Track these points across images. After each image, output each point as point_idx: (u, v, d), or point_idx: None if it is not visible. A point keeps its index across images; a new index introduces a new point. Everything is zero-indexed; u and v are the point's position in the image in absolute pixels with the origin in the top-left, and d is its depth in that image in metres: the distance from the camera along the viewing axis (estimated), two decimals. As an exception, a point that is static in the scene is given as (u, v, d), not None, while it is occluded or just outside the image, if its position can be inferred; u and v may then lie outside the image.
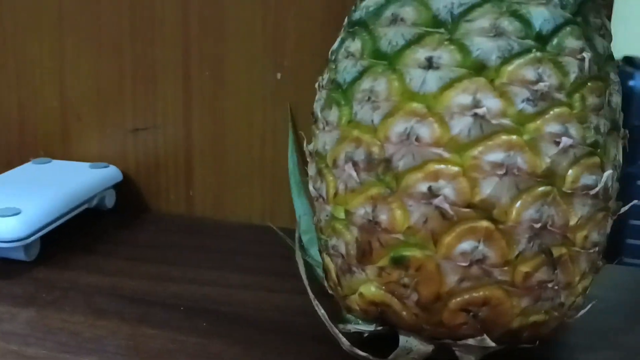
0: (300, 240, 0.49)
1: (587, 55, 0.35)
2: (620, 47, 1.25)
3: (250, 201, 0.61)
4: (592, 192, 0.35)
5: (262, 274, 0.51)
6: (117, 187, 0.62)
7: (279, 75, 0.58)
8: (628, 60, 1.28)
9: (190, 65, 0.60)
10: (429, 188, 0.33)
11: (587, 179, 0.35)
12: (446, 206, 0.33)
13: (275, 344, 0.42)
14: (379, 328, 0.39)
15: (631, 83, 1.19)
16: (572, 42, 0.35)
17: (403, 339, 0.38)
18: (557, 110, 0.34)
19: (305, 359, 0.41)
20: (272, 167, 0.59)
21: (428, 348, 0.37)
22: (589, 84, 0.35)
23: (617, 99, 0.37)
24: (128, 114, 0.62)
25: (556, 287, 0.35)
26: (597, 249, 0.37)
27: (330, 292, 0.41)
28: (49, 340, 0.42)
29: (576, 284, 0.36)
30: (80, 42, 0.62)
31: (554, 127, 0.34)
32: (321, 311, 0.37)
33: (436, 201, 0.33)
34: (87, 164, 0.62)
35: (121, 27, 0.61)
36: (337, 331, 0.37)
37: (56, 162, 0.63)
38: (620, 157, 0.38)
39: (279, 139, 0.58)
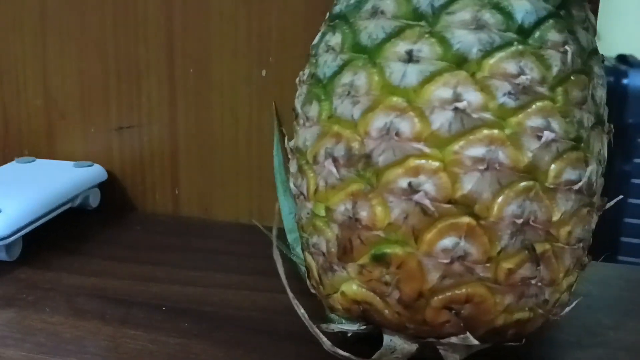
0: (286, 239, 0.48)
1: (570, 48, 0.34)
2: (615, 46, 1.25)
3: (236, 200, 0.60)
4: (576, 187, 0.34)
5: (246, 274, 0.51)
6: (101, 186, 0.62)
7: (264, 72, 0.57)
8: (622, 58, 1.28)
9: (175, 63, 0.59)
10: (409, 184, 0.33)
11: (570, 174, 0.34)
12: (427, 202, 0.32)
13: (257, 344, 0.42)
14: (363, 327, 0.39)
15: (625, 81, 1.19)
16: (554, 35, 0.34)
17: (387, 338, 0.38)
18: (539, 104, 0.33)
19: (287, 358, 0.40)
20: (258, 165, 0.59)
21: (412, 347, 0.37)
22: (572, 77, 0.35)
23: (601, 93, 0.37)
24: (113, 113, 0.62)
25: (540, 284, 0.35)
26: (581, 244, 0.36)
27: (312, 291, 0.40)
28: (28, 341, 0.41)
29: (560, 280, 0.36)
30: (64, 41, 0.62)
31: (535, 121, 0.33)
32: (301, 310, 0.36)
33: (417, 197, 0.33)
34: (71, 162, 0.61)
35: (105, 24, 0.60)
36: (317, 331, 0.36)
37: (40, 161, 0.62)
38: (605, 152, 0.37)
39: (266, 137, 0.58)
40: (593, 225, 0.37)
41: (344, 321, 0.40)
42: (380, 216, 0.34)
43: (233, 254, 0.54)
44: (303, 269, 0.47)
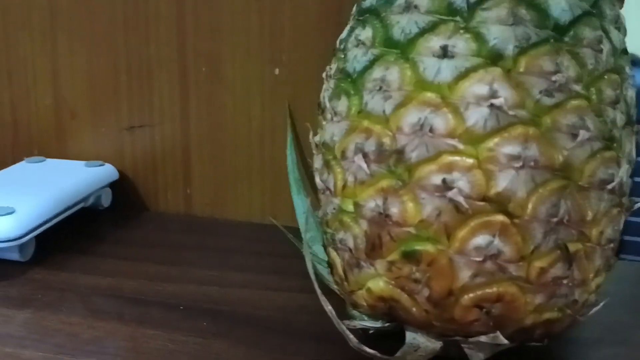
0: (300, 239, 0.48)
1: (605, 47, 0.34)
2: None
3: (249, 199, 0.59)
4: (609, 187, 0.34)
5: (262, 273, 0.50)
6: (113, 185, 0.61)
7: (277, 71, 0.56)
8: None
9: (187, 62, 0.58)
10: (443, 180, 0.32)
11: (604, 174, 0.34)
12: (460, 199, 0.32)
13: (276, 343, 0.41)
14: (386, 324, 0.38)
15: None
16: (589, 33, 0.34)
17: (410, 336, 0.37)
18: (574, 102, 0.33)
19: (306, 357, 0.40)
20: (271, 164, 0.58)
21: (436, 345, 0.36)
22: (605, 76, 0.34)
23: (631, 93, 0.37)
24: (124, 112, 0.61)
25: (571, 284, 0.34)
26: (611, 245, 0.36)
27: (335, 287, 0.40)
28: (46, 342, 0.41)
29: (590, 280, 0.35)
30: (74, 39, 0.61)
31: (571, 120, 0.33)
32: (328, 307, 0.35)
33: (450, 194, 0.32)
34: (82, 162, 0.60)
35: (115, 23, 0.59)
36: (344, 327, 0.35)
37: (50, 161, 0.61)
38: (634, 153, 0.37)
39: (278, 136, 0.57)
40: (621, 226, 0.37)
41: (365, 318, 0.39)
42: (412, 212, 0.33)
43: (247, 252, 0.54)
44: (320, 267, 0.47)
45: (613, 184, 0.34)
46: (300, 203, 0.52)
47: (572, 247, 0.33)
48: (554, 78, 0.32)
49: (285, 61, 0.56)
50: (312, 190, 0.56)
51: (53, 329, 0.42)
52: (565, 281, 0.34)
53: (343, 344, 0.39)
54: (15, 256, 0.50)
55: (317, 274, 0.44)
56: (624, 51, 0.36)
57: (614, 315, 0.43)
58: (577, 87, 0.33)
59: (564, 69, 0.33)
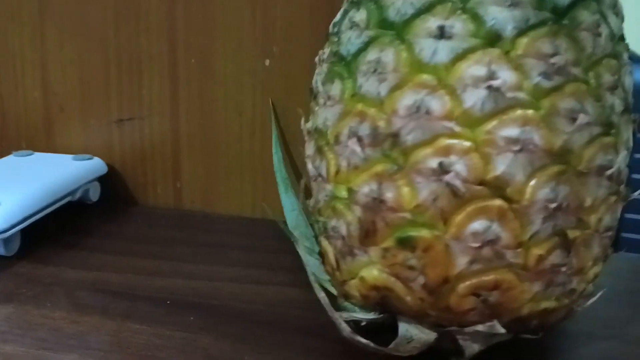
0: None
1: (603, 31, 0.33)
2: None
3: (240, 193, 0.58)
4: (608, 173, 0.33)
5: (252, 267, 0.49)
6: (102, 179, 0.59)
7: (267, 62, 0.55)
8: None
9: (177, 54, 0.57)
10: (440, 164, 0.31)
11: (602, 160, 0.33)
12: (457, 183, 0.31)
13: (264, 338, 0.40)
14: (378, 316, 0.37)
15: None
16: (588, 17, 0.33)
17: (403, 327, 0.36)
18: (572, 86, 0.32)
19: (295, 352, 0.38)
20: (262, 158, 0.57)
21: (430, 336, 0.35)
22: (604, 61, 0.33)
23: (629, 80, 0.36)
24: (113, 105, 0.60)
25: (569, 272, 0.33)
26: (609, 233, 0.35)
27: (326, 279, 0.38)
28: (28, 336, 0.39)
29: (588, 269, 0.34)
30: (63, 32, 0.59)
31: (569, 103, 0.32)
32: (321, 294, 0.34)
33: (447, 178, 0.31)
34: (70, 156, 0.59)
35: (105, 15, 0.58)
36: (337, 317, 0.34)
37: (38, 155, 0.60)
38: (631, 141, 0.36)
39: (269, 129, 0.55)
40: (619, 215, 0.36)
41: (357, 310, 0.38)
42: (407, 197, 0.32)
43: (238, 247, 0.52)
44: (313, 260, 0.45)
45: (612, 170, 0.33)
46: (289, 201, 0.51)
47: (571, 233, 0.32)
48: (552, 61, 0.31)
49: (277, 53, 0.55)
50: (299, 185, 0.55)
51: (36, 323, 0.41)
52: (563, 269, 0.33)
53: (333, 338, 0.39)
54: (0, 250, 0.48)
55: (304, 270, 0.44)
56: (622, 37, 0.36)
57: (607, 310, 0.42)
58: (576, 71, 0.32)
59: (563, 52, 0.32)
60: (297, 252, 0.46)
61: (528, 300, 0.33)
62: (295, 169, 0.55)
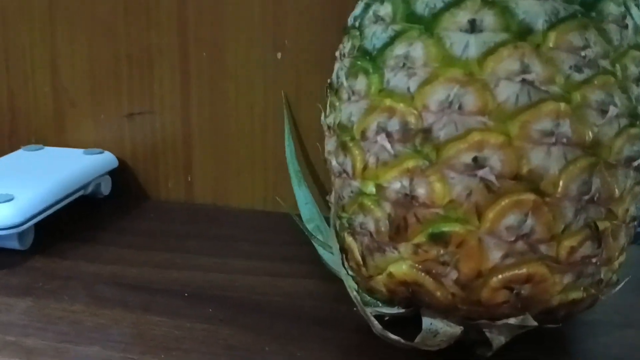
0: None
1: (629, 22, 0.31)
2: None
3: (251, 187, 0.56)
4: (635, 163, 0.32)
5: (266, 260, 0.47)
6: (113, 174, 0.57)
7: (279, 55, 0.53)
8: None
9: (187, 47, 0.55)
10: (474, 159, 0.29)
11: (630, 151, 0.32)
12: (492, 178, 0.29)
13: (283, 329, 0.38)
14: (402, 311, 0.35)
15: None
16: (614, 9, 0.31)
17: (427, 321, 0.34)
18: (602, 78, 0.30)
19: (313, 342, 0.37)
20: (274, 151, 0.54)
21: (456, 329, 0.34)
22: (629, 53, 0.32)
23: None
24: (123, 99, 0.57)
25: (598, 263, 0.32)
26: (635, 223, 0.33)
27: (349, 273, 0.37)
28: (49, 330, 0.38)
29: (615, 259, 0.33)
30: (73, 26, 0.57)
31: (600, 96, 0.30)
32: (353, 294, 0.33)
33: (481, 173, 0.29)
34: (81, 150, 0.57)
35: (115, 9, 0.56)
36: (369, 314, 0.33)
37: (48, 149, 0.58)
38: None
39: (281, 123, 0.53)
40: (641, 204, 0.35)
41: (380, 304, 0.37)
42: (440, 193, 0.30)
43: (251, 240, 0.50)
44: (327, 254, 0.44)
45: (638, 160, 0.32)
46: (302, 194, 0.50)
47: (601, 225, 0.31)
48: (583, 53, 0.30)
49: (289, 47, 0.53)
50: (312, 179, 0.54)
51: (56, 316, 0.39)
52: (593, 260, 0.31)
53: (350, 329, 0.38)
54: (14, 244, 0.46)
55: (321, 262, 0.42)
56: (644, 28, 0.34)
57: (624, 298, 0.41)
58: (605, 63, 0.31)
59: (592, 45, 0.30)
60: (311, 244, 0.45)
61: (558, 292, 0.32)
62: (308, 162, 0.53)
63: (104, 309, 0.40)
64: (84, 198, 0.54)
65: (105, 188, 0.56)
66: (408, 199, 0.31)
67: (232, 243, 0.50)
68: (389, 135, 0.31)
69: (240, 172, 0.56)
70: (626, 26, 0.31)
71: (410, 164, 0.31)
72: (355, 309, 0.35)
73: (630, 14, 0.32)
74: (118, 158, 0.57)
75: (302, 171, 0.51)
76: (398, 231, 0.32)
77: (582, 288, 0.32)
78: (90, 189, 0.54)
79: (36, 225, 0.47)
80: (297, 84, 0.53)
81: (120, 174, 0.58)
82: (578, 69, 0.30)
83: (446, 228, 0.30)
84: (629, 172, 0.32)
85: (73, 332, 0.37)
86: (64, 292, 0.42)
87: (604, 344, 0.38)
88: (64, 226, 0.51)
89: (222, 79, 0.54)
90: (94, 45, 0.57)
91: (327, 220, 0.48)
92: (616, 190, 0.31)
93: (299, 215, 0.48)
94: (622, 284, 0.35)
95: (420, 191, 0.31)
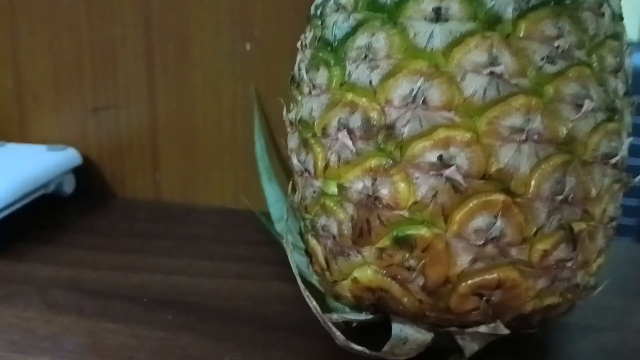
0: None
1: (606, 10, 0.30)
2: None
3: (221, 184, 0.54)
4: (612, 161, 0.30)
5: (233, 261, 0.45)
6: (77, 171, 0.55)
7: (248, 46, 0.51)
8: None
9: (152, 39, 0.52)
10: (439, 157, 0.28)
11: (607, 147, 0.30)
12: (459, 177, 0.27)
13: (246, 336, 0.36)
14: (370, 317, 0.34)
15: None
16: (590, -4, 0.29)
17: (397, 328, 0.33)
18: (576, 70, 0.29)
19: (280, 351, 0.35)
20: (244, 147, 0.52)
21: (427, 337, 0.32)
22: (606, 42, 0.30)
23: (628, 62, 0.32)
24: (88, 94, 0.55)
25: (574, 267, 0.30)
26: (613, 223, 0.32)
27: (314, 277, 0.35)
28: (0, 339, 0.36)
29: (592, 262, 0.31)
30: (34, 19, 0.55)
31: (574, 89, 0.28)
32: (312, 303, 0.31)
33: (448, 172, 0.27)
34: (44, 146, 0.54)
35: (77, 1, 0.53)
36: (330, 325, 0.31)
37: (10, 145, 0.55)
38: (630, 125, 0.33)
39: (251, 116, 0.51)
40: (620, 203, 0.33)
41: (347, 310, 0.35)
42: (404, 194, 0.28)
43: (219, 240, 0.48)
44: (296, 255, 0.42)
45: (616, 158, 0.30)
46: (272, 191, 0.48)
47: (576, 226, 0.29)
48: (556, 44, 0.28)
49: (257, 36, 0.50)
50: (285, 175, 0.52)
51: (7, 324, 0.37)
52: (569, 264, 0.30)
53: (319, 336, 0.35)
54: (-30, 247, 0.45)
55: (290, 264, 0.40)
56: (620, 16, 0.32)
57: (604, 299, 0.39)
58: (580, 54, 0.29)
59: (566, 34, 0.28)
60: (281, 244, 0.43)
61: (532, 297, 0.30)
62: (280, 158, 0.51)
63: (58, 315, 0.38)
64: (46, 197, 0.52)
65: (69, 186, 0.54)
66: (371, 200, 0.29)
67: (198, 243, 0.48)
68: (350, 132, 0.29)
69: (209, 168, 0.54)
70: (602, 14, 0.29)
71: (373, 162, 0.29)
72: (327, 315, 0.33)
73: (607, 1, 0.31)
74: (82, 154, 0.55)
75: (274, 167, 0.49)
76: (361, 234, 0.30)
77: (557, 293, 0.31)
78: (51, 188, 0.52)
79: (-6, 226, 0.45)
80: (268, 75, 0.51)
81: (84, 172, 0.56)
82: (550, 60, 0.28)
83: (411, 231, 0.29)
84: (606, 170, 0.30)
85: (24, 341, 0.36)
86: (18, 298, 0.40)
87: (583, 348, 0.36)
88: (23, 227, 0.49)
89: (189, 71, 0.52)
90: (55, 38, 0.55)
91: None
92: (592, 189, 0.29)
93: (267, 215, 0.46)
94: (602, 287, 0.33)
95: (384, 192, 0.29)
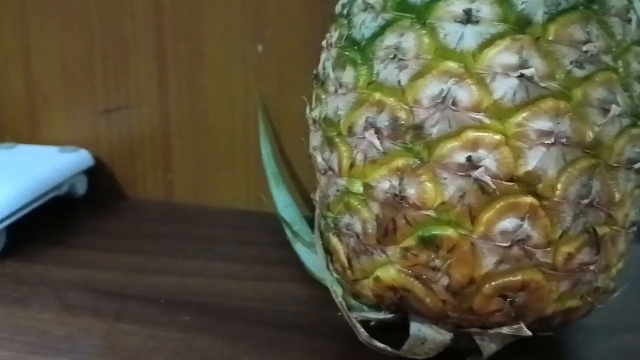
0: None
1: (633, 16, 0.30)
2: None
3: (233, 185, 0.54)
4: (636, 166, 0.30)
5: (247, 262, 0.45)
6: (89, 172, 0.55)
7: (260, 48, 0.51)
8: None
9: (164, 39, 0.53)
10: (468, 158, 0.28)
11: (631, 152, 0.30)
12: (487, 179, 0.28)
13: (263, 337, 0.37)
14: (389, 316, 0.34)
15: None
16: (617, 2, 0.30)
17: (415, 327, 0.33)
18: (604, 74, 0.29)
19: (297, 352, 0.35)
20: (256, 147, 0.52)
21: (446, 337, 0.32)
22: (632, 48, 0.30)
23: None
24: (99, 94, 0.55)
25: (596, 270, 0.30)
26: (634, 228, 0.32)
27: (334, 276, 0.35)
28: (16, 340, 0.36)
29: (613, 266, 0.32)
30: (45, 19, 0.55)
31: (601, 93, 0.29)
32: (338, 299, 0.31)
33: (476, 173, 0.28)
34: (56, 148, 0.54)
35: (88, 0, 0.53)
36: (354, 321, 0.31)
37: (22, 147, 0.55)
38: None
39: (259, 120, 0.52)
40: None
41: (365, 309, 0.35)
42: (431, 194, 0.29)
43: (232, 241, 0.49)
44: (310, 259, 0.42)
45: (639, 163, 0.30)
46: (281, 197, 0.48)
47: (600, 230, 0.30)
48: (584, 48, 0.28)
49: (269, 37, 0.51)
50: (293, 178, 0.52)
51: (24, 326, 0.37)
52: (591, 267, 0.30)
53: (335, 336, 0.36)
54: (-16, 248, 0.44)
55: (303, 266, 0.40)
56: (645, 23, 0.33)
57: (621, 302, 0.39)
58: (607, 59, 0.29)
59: (594, 39, 0.29)
60: (294, 248, 0.43)
61: (554, 300, 0.30)
62: (287, 162, 0.52)
63: (74, 317, 0.38)
64: (60, 198, 0.52)
65: (81, 188, 0.54)
66: (397, 200, 0.29)
67: (212, 244, 0.48)
68: (377, 131, 0.30)
69: (221, 169, 0.54)
70: (629, 20, 0.30)
71: (400, 162, 0.29)
72: (340, 314, 0.33)
73: (634, 8, 0.31)
74: (94, 156, 0.55)
75: (281, 172, 0.49)
76: (386, 233, 0.30)
77: (578, 296, 0.31)
78: (64, 189, 0.52)
79: (7, 228, 0.45)
80: (280, 77, 0.51)
81: (96, 173, 0.56)
82: (579, 64, 0.28)
83: (437, 231, 0.29)
84: (630, 175, 0.30)
85: (41, 343, 0.35)
86: (34, 299, 0.40)
87: (601, 350, 0.36)
88: (37, 229, 0.49)
89: (201, 72, 0.52)
90: (66, 38, 0.55)
91: (309, 222, 0.46)
92: (616, 193, 0.30)
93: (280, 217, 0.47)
94: (620, 290, 0.34)
95: (411, 191, 0.29)
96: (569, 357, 0.36)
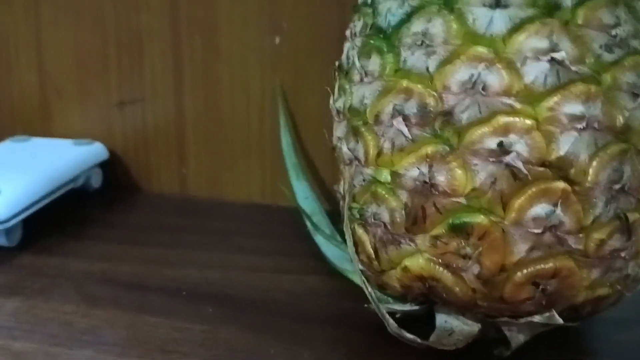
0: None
1: (660, 1, 0.30)
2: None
3: (248, 178, 0.54)
4: (665, 152, 0.30)
5: (265, 255, 0.45)
6: (103, 166, 0.55)
7: (277, 40, 0.51)
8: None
9: (180, 31, 0.53)
10: (499, 144, 0.28)
11: (659, 138, 0.30)
12: (519, 164, 0.28)
13: (286, 328, 0.37)
14: (415, 307, 0.34)
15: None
16: (643, -14, 0.30)
17: (441, 319, 0.33)
18: (632, 59, 0.29)
19: (321, 343, 0.35)
20: (271, 141, 0.52)
21: (473, 328, 0.32)
22: (658, 33, 0.30)
23: None
24: (113, 87, 0.55)
25: (627, 257, 0.30)
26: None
27: (359, 267, 0.35)
28: (38, 332, 0.36)
29: (644, 253, 0.31)
30: (58, 10, 0.55)
31: (631, 78, 0.29)
32: (369, 289, 0.31)
33: (507, 159, 0.28)
34: (70, 140, 0.54)
35: (102, -8, 0.54)
36: (384, 312, 0.31)
37: (36, 140, 0.55)
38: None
39: (279, 110, 0.52)
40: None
41: (391, 301, 0.35)
42: (462, 181, 0.29)
43: (249, 234, 0.48)
44: (329, 249, 0.42)
45: (669, 148, 0.30)
46: (301, 188, 0.48)
47: (631, 216, 0.29)
48: (613, 32, 0.28)
49: (286, 29, 0.50)
50: (311, 170, 0.52)
51: (45, 318, 0.37)
52: (622, 254, 0.30)
53: (357, 327, 0.36)
54: (1, 241, 0.44)
55: (324, 258, 0.40)
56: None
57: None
58: (635, 43, 0.29)
59: (623, 23, 0.29)
60: (312, 238, 0.43)
61: (585, 287, 0.30)
62: (306, 154, 0.52)
63: (96, 309, 0.38)
64: (74, 191, 0.52)
65: (96, 181, 0.54)
66: (427, 187, 0.29)
67: (229, 237, 0.48)
68: (405, 119, 0.30)
69: (236, 162, 0.54)
70: (656, 5, 0.30)
71: (430, 149, 0.29)
72: (366, 305, 0.33)
73: (660, -8, 0.31)
74: (108, 149, 0.55)
75: (301, 163, 0.49)
76: (415, 222, 0.30)
77: (608, 284, 0.31)
78: (80, 182, 0.52)
79: (24, 220, 0.45)
80: (296, 69, 0.51)
81: (110, 166, 0.56)
82: (608, 48, 0.28)
83: (468, 218, 0.29)
84: (659, 161, 0.30)
85: (64, 335, 0.36)
86: (54, 291, 0.40)
87: (624, 341, 0.36)
88: (53, 221, 0.49)
89: (216, 64, 0.52)
90: (80, 29, 0.55)
91: (329, 214, 0.46)
92: (647, 179, 0.29)
93: (295, 209, 0.47)
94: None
95: (440, 179, 0.29)
96: (594, 348, 0.36)
